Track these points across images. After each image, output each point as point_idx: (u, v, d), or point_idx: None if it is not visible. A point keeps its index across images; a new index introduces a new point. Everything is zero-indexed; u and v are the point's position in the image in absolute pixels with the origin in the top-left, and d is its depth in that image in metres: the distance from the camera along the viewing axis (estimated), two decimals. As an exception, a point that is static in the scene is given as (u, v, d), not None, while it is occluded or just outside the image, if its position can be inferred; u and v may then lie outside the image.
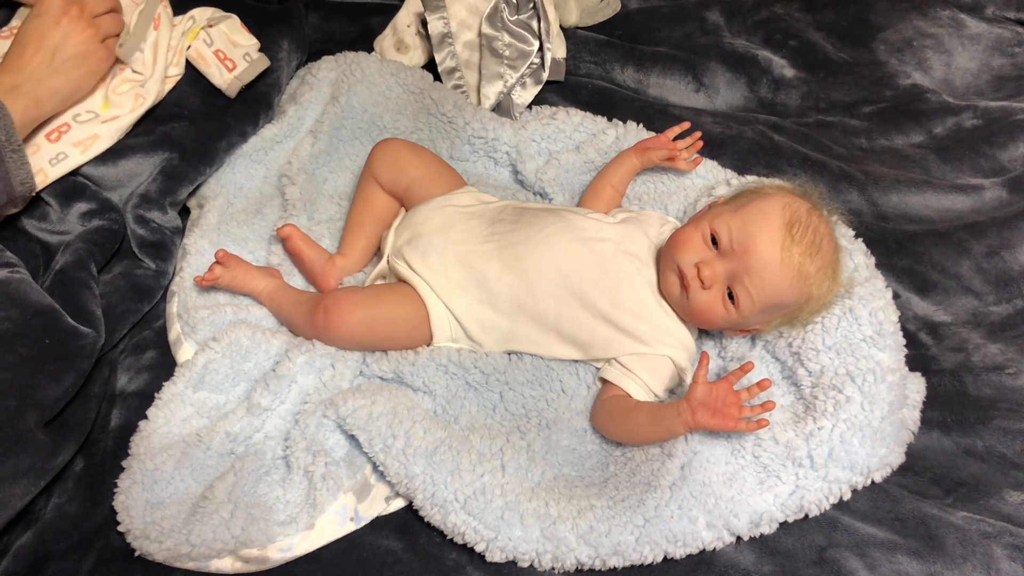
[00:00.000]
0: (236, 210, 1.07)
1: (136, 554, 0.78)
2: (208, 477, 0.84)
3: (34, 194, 0.93)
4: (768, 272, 0.81)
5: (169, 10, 1.02)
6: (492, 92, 1.15)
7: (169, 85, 1.02)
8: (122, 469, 0.83)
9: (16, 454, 0.77)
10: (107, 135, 0.96)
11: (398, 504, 0.84)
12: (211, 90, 1.05)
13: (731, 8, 1.36)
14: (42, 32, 0.86)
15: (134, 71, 0.98)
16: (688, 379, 0.88)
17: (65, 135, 0.94)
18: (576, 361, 0.91)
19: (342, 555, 0.80)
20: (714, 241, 0.84)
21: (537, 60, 1.17)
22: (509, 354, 0.91)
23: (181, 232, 1.05)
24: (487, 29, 1.13)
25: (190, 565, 0.78)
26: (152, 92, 0.99)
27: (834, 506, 0.81)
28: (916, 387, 0.89)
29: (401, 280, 0.94)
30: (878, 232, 1.03)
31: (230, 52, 1.04)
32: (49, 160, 0.93)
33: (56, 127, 0.94)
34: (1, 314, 0.80)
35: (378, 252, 1.01)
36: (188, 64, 1.04)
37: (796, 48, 1.29)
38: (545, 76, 1.18)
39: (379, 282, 0.98)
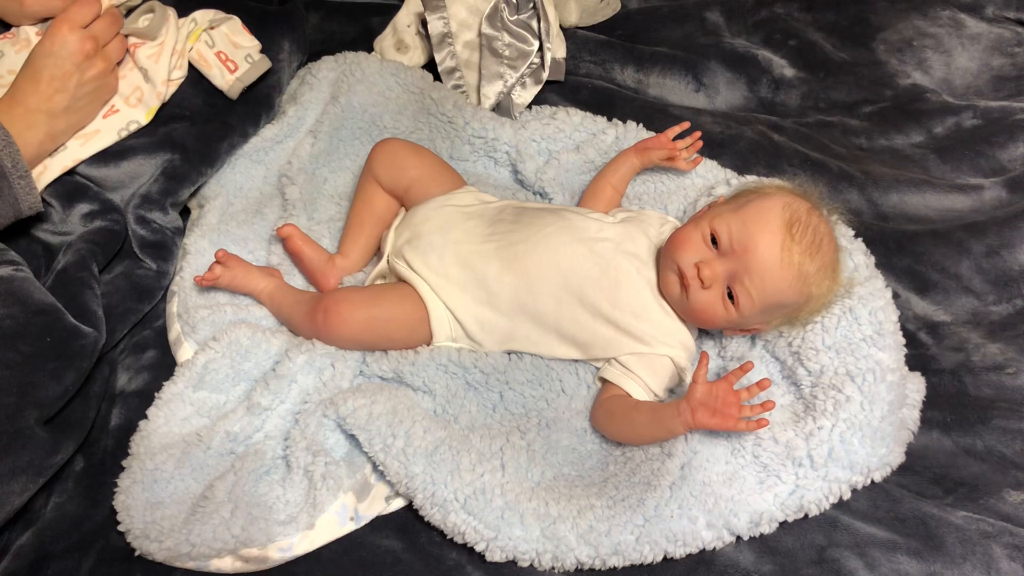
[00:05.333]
0: (236, 210, 1.07)
1: (136, 554, 0.78)
2: (208, 477, 0.84)
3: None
4: (768, 272, 0.81)
5: (175, 15, 1.02)
6: (492, 92, 1.15)
7: (172, 88, 1.02)
8: (122, 469, 0.84)
9: (15, 451, 0.77)
10: (107, 131, 0.96)
11: (398, 504, 0.84)
12: (212, 91, 1.05)
13: (731, 8, 1.36)
14: (62, 72, 0.88)
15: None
16: (688, 379, 0.88)
17: None
18: (576, 361, 0.91)
19: (342, 555, 0.80)
20: (714, 241, 0.84)
21: (537, 60, 1.17)
22: (509, 354, 0.91)
23: (182, 232, 1.05)
24: (487, 29, 1.13)
25: (190, 565, 0.78)
26: (156, 95, 0.99)
27: (834, 506, 0.81)
28: (916, 387, 0.89)
29: (401, 280, 0.94)
30: (878, 232, 1.03)
31: (232, 54, 1.04)
32: (49, 152, 0.93)
33: None
34: (3, 311, 0.81)
35: (378, 252, 1.01)
36: (190, 66, 1.04)
37: (796, 48, 1.30)
38: (545, 76, 1.18)
39: (379, 282, 0.98)
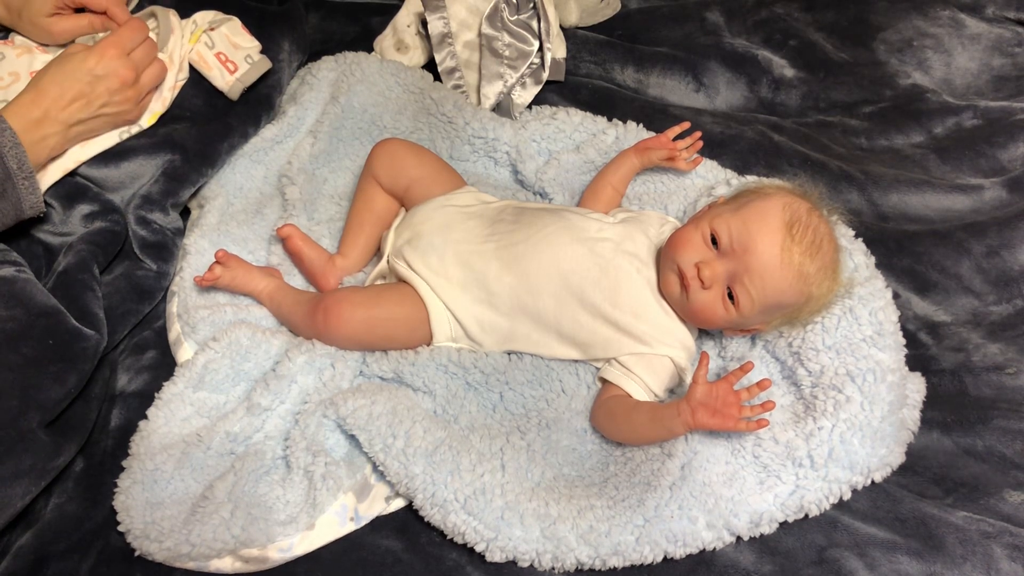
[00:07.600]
0: (236, 210, 1.07)
1: (136, 554, 0.79)
2: (208, 477, 0.84)
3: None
4: (768, 272, 0.81)
5: (178, 18, 1.02)
6: (492, 92, 1.15)
7: (175, 92, 1.03)
8: (122, 469, 0.84)
9: (18, 454, 0.77)
10: (108, 134, 0.96)
11: (398, 504, 0.84)
12: (213, 91, 1.05)
13: (731, 8, 1.36)
14: (95, 93, 0.88)
15: None
16: (688, 379, 0.88)
17: None
18: (576, 361, 0.91)
19: (342, 555, 0.80)
20: (714, 241, 0.84)
21: (537, 60, 1.17)
22: (509, 354, 0.91)
23: (182, 233, 1.05)
24: (487, 29, 1.13)
25: (190, 565, 0.78)
26: (161, 102, 0.99)
27: (834, 506, 0.81)
28: (916, 387, 0.89)
29: (401, 280, 0.94)
30: (878, 232, 1.03)
31: (232, 55, 1.04)
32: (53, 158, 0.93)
33: None
34: (6, 313, 0.80)
35: (378, 252, 1.01)
36: (190, 66, 1.04)
37: (796, 48, 1.30)
38: (545, 76, 1.18)
39: (379, 282, 0.98)
